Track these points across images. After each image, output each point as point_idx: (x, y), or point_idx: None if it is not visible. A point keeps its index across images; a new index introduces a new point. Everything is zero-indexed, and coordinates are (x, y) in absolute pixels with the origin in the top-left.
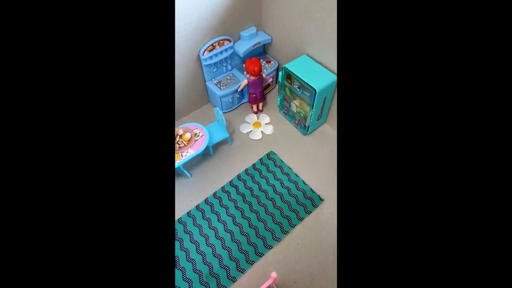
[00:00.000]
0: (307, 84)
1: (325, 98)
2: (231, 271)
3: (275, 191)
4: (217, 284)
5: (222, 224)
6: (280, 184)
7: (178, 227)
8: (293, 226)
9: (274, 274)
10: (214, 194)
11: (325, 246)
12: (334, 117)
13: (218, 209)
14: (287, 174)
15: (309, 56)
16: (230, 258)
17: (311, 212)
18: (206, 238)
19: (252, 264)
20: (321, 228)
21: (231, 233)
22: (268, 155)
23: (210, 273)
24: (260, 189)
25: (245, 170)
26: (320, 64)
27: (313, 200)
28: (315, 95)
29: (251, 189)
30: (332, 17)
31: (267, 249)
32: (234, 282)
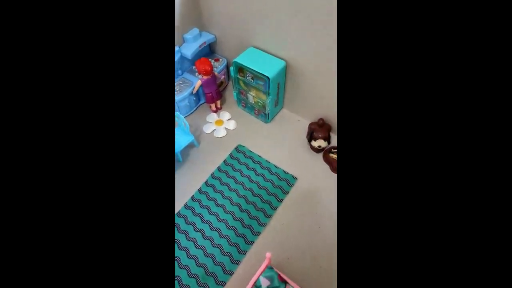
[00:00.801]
0: (259, 73)
1: (279, 84)
2: (226, 265)
3: (250, 180)
4: (216, 282)
5: (207, 224)
6: (254, 173)
7: None
8: (274, 208)
9: (268, 254)
10: (192, 198)
11: (307, 219)
12: (289, 101)
13: (200, 211)
14: (258, 163)
15: (255, 47)
16: (222, 254)
17: (288, 192)
18: (194, 241)
19: (245, 254)
20: (300, 204)
21: (218, 230)
22: (236, 148)
23: (206, 273)
24: (236, 182)
25: (218, 167)
26: (268, 52)
27: (287, 181)
28: (269, 83)
29: (227, 184)
30: (273, 5)
31: (256, 236)
32: (231, 275)
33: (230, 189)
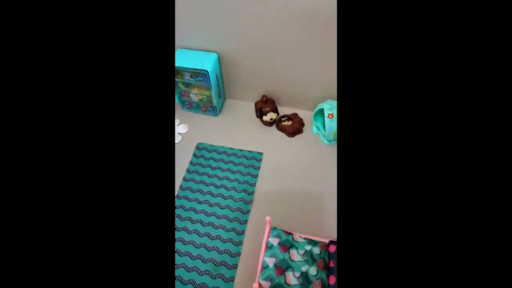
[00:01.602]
0: (197, 70)
1: (217, 75)
2: (231, 249)
3: (222, 169)
4: (228, 267)
5: (198, 223)
6: (223, 162)
7: None
8: (253, 185)
9: (268, 218)
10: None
11: (284, 182)
12: (230, 90)
13: (187, 214)
14: (223, 152)
15: (183, 47)
16: (223, 242)
17: (259, 166)
18: (193, 243)
19: (243, 233)
20: (273, 173)
21: (211, 224)
22: (197, 147)
23: (215, 264)
24: (210, 176)
25: (186, 170)
26: (197, 49)
27: (255, 158)
28: (209, 76)
29: (202, 182)
30: (195, 6)
31: (246, 214)
32: (239, 255)
33: (206, 184)
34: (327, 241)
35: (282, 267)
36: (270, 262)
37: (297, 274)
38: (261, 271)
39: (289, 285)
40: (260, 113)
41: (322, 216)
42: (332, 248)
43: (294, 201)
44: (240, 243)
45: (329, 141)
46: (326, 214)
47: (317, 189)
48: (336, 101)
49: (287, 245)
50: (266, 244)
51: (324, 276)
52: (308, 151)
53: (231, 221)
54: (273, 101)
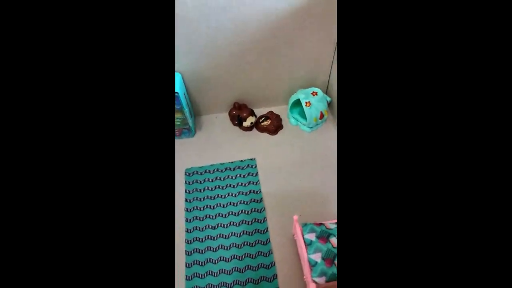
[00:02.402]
0: None
1: (185, 95)
2: (264, 262)
3: (222, 187)
4: (268, 280)
5: (221, 248)
6: (219, 180)
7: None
8: (259, 192)
9: (295, 217)
10: (187, 240)
11: (286, 179)
12: (198, 106)
13: (205, 245)
14: (215, 170)
15: None
16: (253, 258)
17: (257, 172)
18: (224, 271)
19: (269, 241)
20: (272, 173)
21: (233, 245)
22: (186, 174)
23: (255, 283)
24: (211, 198)
25: (185, 199)
26: None
27: (250, 165)
28: (179, 97)
29: (207, 206)
30: None
31: (265, 222)
32: (274, 265)
33: (212, 207)
34: None
35: (330, 258)
36: (317, 257)
37: None
38: (311, 269)
39: None
40: (238, 120)
41: (333, 198)
42: None
43: (302, 193)
44: (270, 252)
45: (311, 127)
46: (334, 196)
47: (318, 176)
48: (307, 89)
49: (324, 235)
50: (305, 242)
51: None
52: (295, 143)
53: (252, 234)
54: (245, 105)
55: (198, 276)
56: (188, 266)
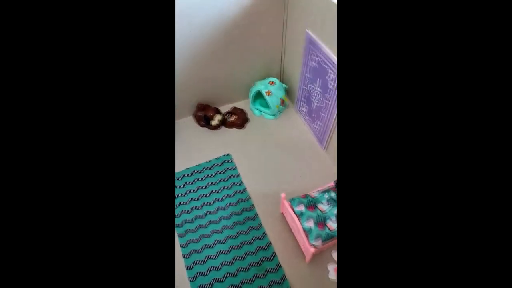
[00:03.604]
0: None
1: None
2: (261, 243)
3: (204, 187)
4: (269, 259)
5: (218, 243)
6: (199, 181)
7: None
8: (241, 183)
9: (283, 195)
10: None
11: (263, 164)
12: None
13: (202, 244)
14: (193, 172)
15: None
16: (251, 244)
17: (235, 166)
18: (226, 263)
19: (262, 226)
20: (249, 164)
21: (230, 236)
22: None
23: (257, 265)
24: (196, 199)
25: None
26: None
27: (226, 161)
28: None
29: (195, 208)
30: None
31: (253, 209)
32: (271, 244)
33: (199, 208)
34: (333, 183)
35: (321, 222)
36: (310, 224)
37: (334, 218)
38: (307, 236)
39: (333, 230)
40: (205, 120)
41: (312, 169)
42: None
43: (281, 175)
44: (265, 234)
45: (274, 115)
46: (312, 166)
47: (290, 157)
48: (265, 80)
49: (311, 204)
50: (296, 214)
51: None
52: (263, 131)
53: (244, 223)
54: (208, 105)
55: (201, 274)
56: (189, 268)
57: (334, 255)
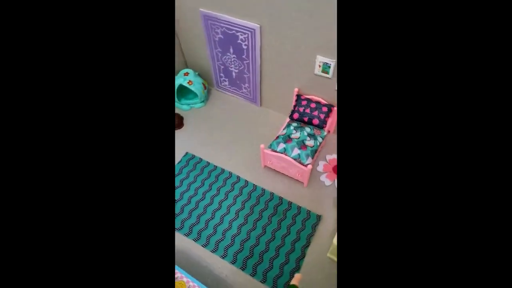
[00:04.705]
0: None
1: None
2: (257, 193)
3: (180, 186)
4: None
5: (225, 217)
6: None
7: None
8: (216, 168)
9: (262, 146)
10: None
11: (220, 143)
12: None
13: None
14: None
15: None
16: (249, 199)
17: (200, 158)
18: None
19: (248, 182)
20: (210, 149)
21: (240, 208)
22: None
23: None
24: (176, 200)
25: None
26: None
27: (190, 158)
28: None
29: (185, 205)
30: None
31: (235, 177)
32: (265, 190)
33: (196, 208)
34: (288, 118)
35: (302, 145)
36: (296, 151)
37: (307, 137)
38: (300, 162)
39: (312, 145)
40: None
41: (260, 123)
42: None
43: (240, 140)
44: (263, 190)
45: (203, 101)
46: (259, 121)
47: (237, 124)
48: (179, 73)
49: (286, 138)
50: (282, 152)
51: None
52: (203, 120)
53: (241, 193)
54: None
55: (221, 239)
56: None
57: (323, 177)
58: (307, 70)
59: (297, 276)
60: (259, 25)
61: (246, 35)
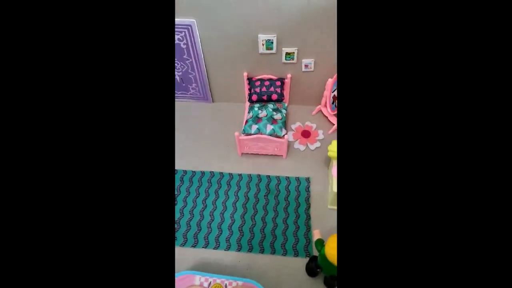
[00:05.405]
0: None
1: None
2: (254, 180)
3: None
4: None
5: (226, 215)
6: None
7: None
8: (197, 172)
9: (236, 133)
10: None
11: (202, 143)
12: None
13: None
14: None
15: None
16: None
17: (185, 171)
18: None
19: (242, 174)
20: (191, 154)
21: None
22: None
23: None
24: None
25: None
26: None
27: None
28: None
29: (185, 212)
30: None
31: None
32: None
33: (192, 218)
34: (247, 102)
35: (271, 120)
36: (269, 127)
37: (272, 112)
38: (276, 135)
39: (280, 118)
40: None
41: (220, 117)
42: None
43: (206, 140)
44: (250, 176)
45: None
46: (219, 116)
47: (197, 125)
48: None
49: (256, 119)
50: (256, 133)
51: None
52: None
53: (230, 185)
54: None
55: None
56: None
57: (296, 144)
58: (252, 51)
59: (316, 232)
60: (194, 20)
61: (183, 33)
